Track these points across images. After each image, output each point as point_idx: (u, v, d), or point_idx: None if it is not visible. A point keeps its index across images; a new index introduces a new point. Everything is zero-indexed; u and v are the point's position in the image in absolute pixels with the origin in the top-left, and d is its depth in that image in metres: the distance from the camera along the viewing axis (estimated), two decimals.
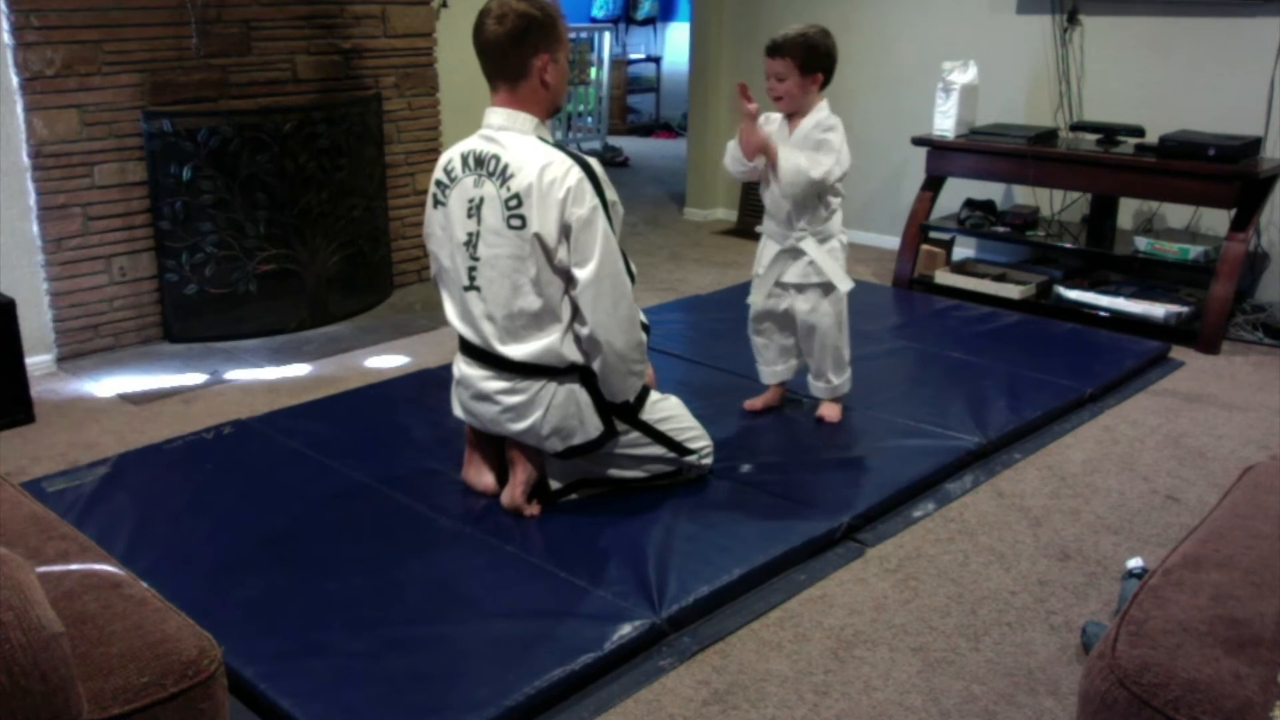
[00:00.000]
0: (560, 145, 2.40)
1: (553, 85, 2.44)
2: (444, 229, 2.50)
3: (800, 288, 2.98)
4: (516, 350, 2.43)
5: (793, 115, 2.91)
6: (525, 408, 2.46)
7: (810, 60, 2.83)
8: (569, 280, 2.39)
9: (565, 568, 2.31)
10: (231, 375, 3.59)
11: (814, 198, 2.88)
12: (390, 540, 2.44)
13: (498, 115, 2.44)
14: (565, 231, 2.34)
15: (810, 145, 2.85)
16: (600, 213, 2.35)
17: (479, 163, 2.42)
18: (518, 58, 2.38)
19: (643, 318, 2.52)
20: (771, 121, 2.95)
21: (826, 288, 2.97)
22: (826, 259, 2.93)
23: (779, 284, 3.01)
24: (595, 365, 2.44)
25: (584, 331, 2.40)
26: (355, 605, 2.18)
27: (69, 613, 1.44)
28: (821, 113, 2.88)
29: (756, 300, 3.07)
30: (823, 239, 2.94)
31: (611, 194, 2.41)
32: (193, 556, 2.37)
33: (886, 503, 2.67)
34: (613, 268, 2.37)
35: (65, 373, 3.60)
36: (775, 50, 2.84)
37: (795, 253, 2.95)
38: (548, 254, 2.35)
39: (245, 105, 3.87)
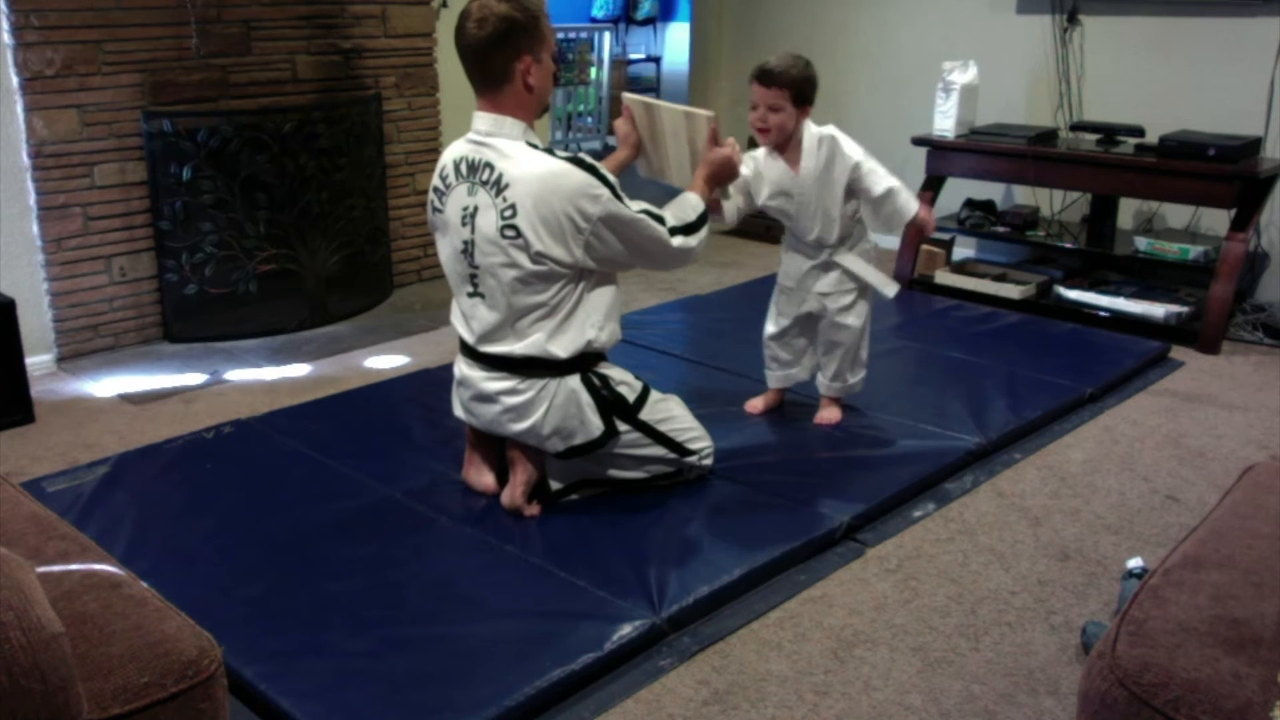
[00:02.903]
0: (549, 149, 2.38)
1: (537, 87, 2.40)
2: (443, 235, 2.50)
3: (830, 294, 2.97)
4: (515, 348, 2.43)
5: (781, 147, 2.84)
6: (526, 408, 2.46)
7: (805, 93, 2.78)
8: (595, 270, 2.42)
9: (565, 568, 2.31)
10: (231, 375, 3.59)
11: (851, 217, 2.89)
12: (390, 540, 2.44)
13: (484, 120, 2.41)
14: (586, 235, 2.34)
15: (827, 164, 2.80)
16: (615, 200, 2.35)
17: (471, 169, 2.40)
18: (500, 61, 2.34)
19: (690, 216, 2.55)
20: (755, 160, 2.88)
21: (861, 290, 2.96)
22: (867, 269, 2.92)
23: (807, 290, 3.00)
24: None
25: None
26: (355, 605, 2.18)
27: (69, 613, 1.44)
28: (813, 132, 2.81)
29: (787, 313, 3.03)
30: (854, 245, 2.93)
31: (611, 176, 2.40)
32: (193, 556, 2.37)
33: (886, 503, 2.67)
34: (651, 243, 2.44)
35: (65, 373, 3.60)
36: (770, 80, 2.74)
37: (828, 265, 2.94)
38: (559, 262, 2.34)
39: (245, 105, 3.87)
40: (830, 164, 2.81)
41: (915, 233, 2.92)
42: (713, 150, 2.60)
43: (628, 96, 2.78)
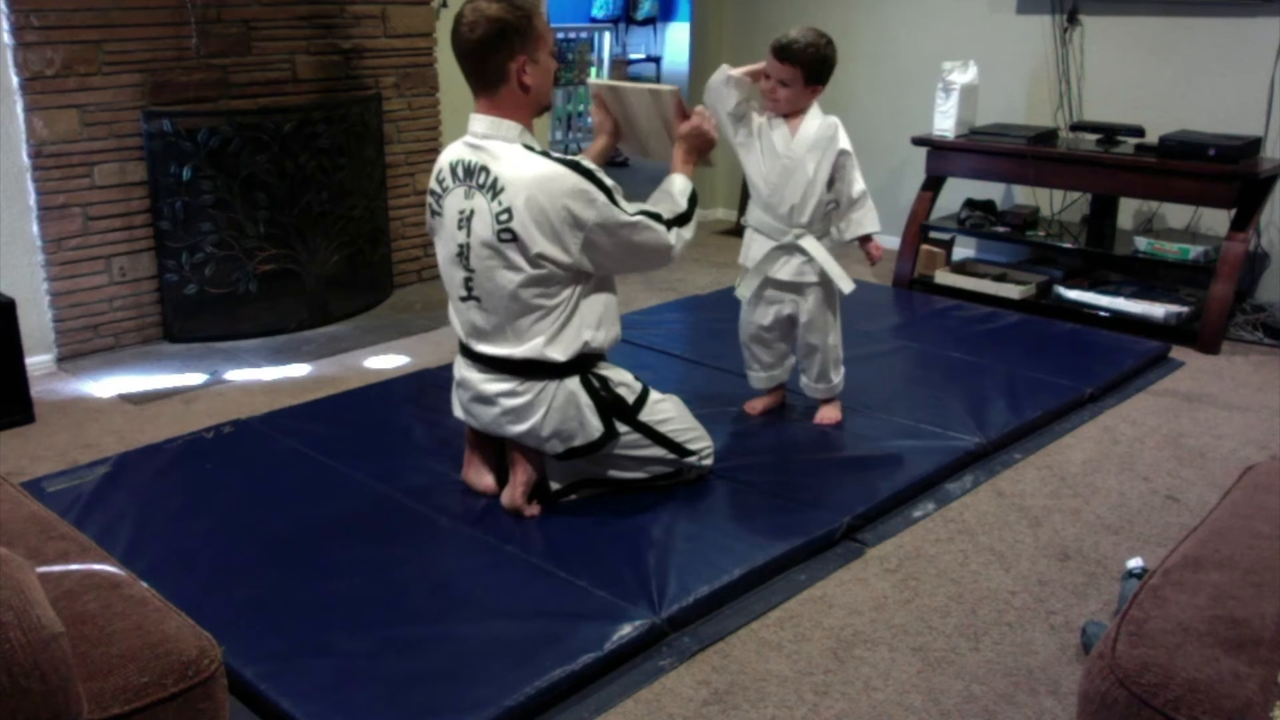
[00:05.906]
0: (545, 152, 2.38)
1: (534, 87, 2.39)
2: (440, 238, 2.50)
3: (797, 288, 2.97)
4: (514, 351, 2.43)
5: (788, 115, 2.89)
6: (525, 410, 2.46)
7: (817, 73, 2.82)
8: (592, 274, 2.42)
9: (565, 568, 2.31)
10: (231, 375, 3.59)
11: (824, 205, 2.91)
12: (390, 540, 2.44)
13: (480, 123, 2.41)
14: (583, 238, 2.34)
15: (824, 140, 2.83)
16: (611, 205, 2.35)
17: (468, 173, 2.40)
18: (494, 63, 2.34)
19: (682, 204, 2.55)
20: (761, 114, 2.93)
21: (824, 286, 2.96)
22: (830, 258, 2.93)
23: (773, 283, 2.99)
24: None
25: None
26: (355, 605, 2.18)
27: (69, 613, 1.44)
28: (817, 114, 2.87)
29: (745, 294, 3.04)
30: (821, 234, 2.94)
31: (608, 180, 2.40)
32: (193, 556, 2.37)
33: (886, 503, 2.67)
34: (649, 244, 2.43)
35: (65, 373, 3.60)
36: (785, 56, 2.79)
37: (791, 249, 2.94)
38: (558, 264, 2.35)
39: (245, 105, 3.87)
40: (828, 143, 2.84)
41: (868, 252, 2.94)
42: (683, 124, 2.61)
43: (594, 82, 2.80)
